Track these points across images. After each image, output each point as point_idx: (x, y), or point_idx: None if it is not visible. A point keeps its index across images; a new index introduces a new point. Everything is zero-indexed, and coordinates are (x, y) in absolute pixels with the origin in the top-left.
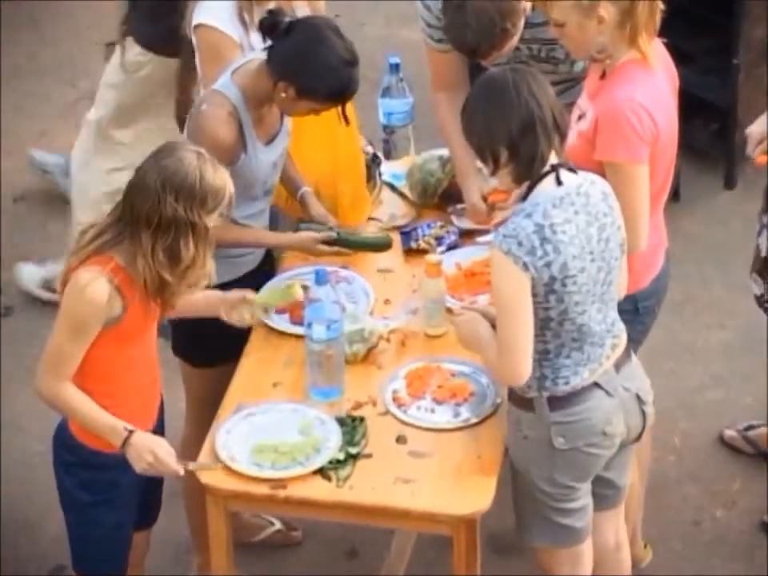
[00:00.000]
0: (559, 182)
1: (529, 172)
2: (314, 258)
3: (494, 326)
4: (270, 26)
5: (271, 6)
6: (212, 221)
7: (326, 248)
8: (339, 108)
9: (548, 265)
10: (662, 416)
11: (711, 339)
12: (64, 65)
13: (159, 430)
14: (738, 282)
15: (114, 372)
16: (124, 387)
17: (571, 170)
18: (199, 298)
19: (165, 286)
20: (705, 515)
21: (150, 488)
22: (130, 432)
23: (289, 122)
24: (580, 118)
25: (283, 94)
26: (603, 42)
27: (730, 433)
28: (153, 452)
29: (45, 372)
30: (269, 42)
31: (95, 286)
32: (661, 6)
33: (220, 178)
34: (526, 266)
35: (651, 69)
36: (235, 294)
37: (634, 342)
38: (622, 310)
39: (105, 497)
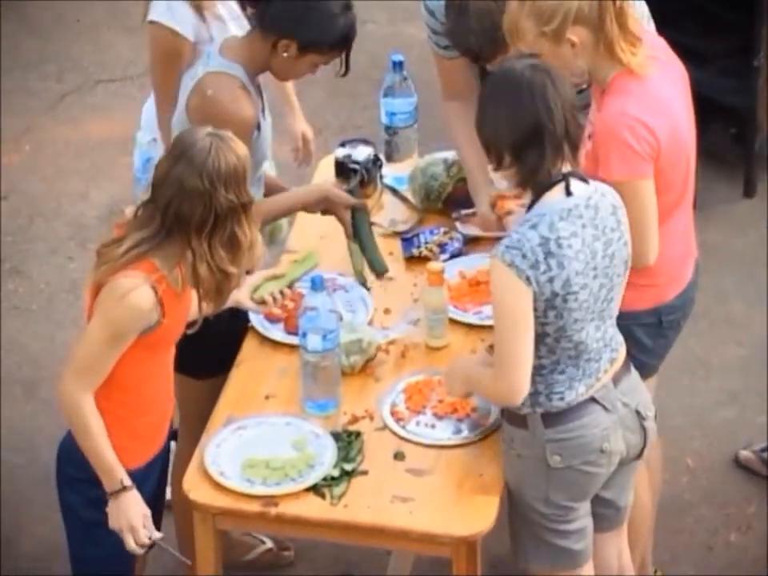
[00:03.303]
0: (569, 193)
1: (531, 180)
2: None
3: None
4: None
5: None
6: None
7: (347, 215)
8: (343, 56)
9: (551, 280)
10: (674, 435)
11: (727, 355)
12: (50, 59)
13: (167, 447)
14: (757, 295)
15: (136, 382)
16: (144, 398)
17: (583, 179)
18: None
19: (228, 280)
20: (718, 539)
21: (155, 504)
22: (123, 488)
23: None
24: (590, 136)
25: (285, 54)
26: (582, 66)
27: (745, 454)
28: (129, 524)
29: (73, 378)
30: (251, 11)
31: (139, 292)
32: (633, 13)
33: (241, 144)
34: (528, 280)
35: (645, 77)
36: (258, 274)
37: (656, 356)
38: (644, 324)
39: None
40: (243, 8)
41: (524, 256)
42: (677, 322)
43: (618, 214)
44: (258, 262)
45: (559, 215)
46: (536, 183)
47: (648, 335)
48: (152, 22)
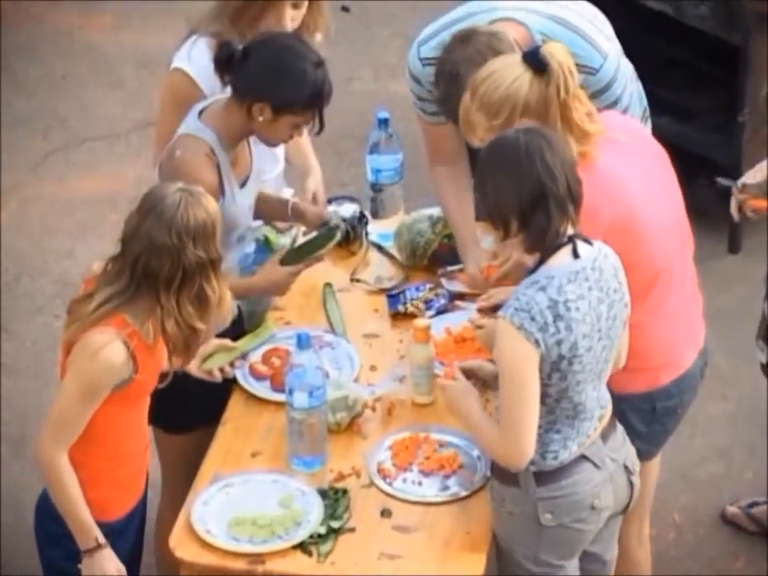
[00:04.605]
0: (576, 255)
1: (540, 244)
2: (294, 322)
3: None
4: (227, 58)
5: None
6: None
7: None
8: (316, 115)
9: (559, 343)
10: (661, 490)
11: (713, 410)
12: (36, 116)
13: (143, 500)
14: (742, 351)
15: (113, 436)
16: (121, 451)
17: (587, 240)
18: None
19: (196, 335)
20: None
21: (134, 555)
22: (98, 545)
23: (257, 164)
24: None
25: (260, 118)
26: None
27: (732, 509)
28: None
29: (48, 436)
30: (227, 77)
31: (111, 348)
32: (581, 106)
33: (211, 199)
34: (537, 343)
35: (591, 161)
36: (211, 343)
37: (652, 443)
38: (637, 409)
39: None
40: (221, 77)
41: (533, 319)
42: (673, 409)
43: (618, 275)
44: (227, 318)
45: (567, 278)
46: (544, 246)
47: (642, 421)
48: (176, 69)
